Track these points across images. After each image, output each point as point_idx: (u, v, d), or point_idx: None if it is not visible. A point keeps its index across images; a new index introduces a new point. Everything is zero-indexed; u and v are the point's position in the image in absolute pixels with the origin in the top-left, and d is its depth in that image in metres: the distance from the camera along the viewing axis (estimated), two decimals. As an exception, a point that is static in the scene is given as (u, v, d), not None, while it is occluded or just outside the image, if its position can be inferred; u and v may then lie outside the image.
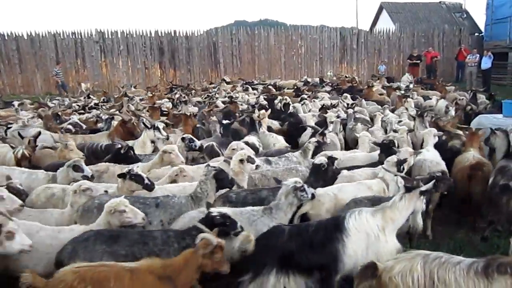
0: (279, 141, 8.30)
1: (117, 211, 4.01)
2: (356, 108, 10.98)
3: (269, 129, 9.08)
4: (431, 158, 6.22)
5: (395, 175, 5.00)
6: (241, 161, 5.43)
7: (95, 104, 12.35)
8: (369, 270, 3.22)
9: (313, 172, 5.60)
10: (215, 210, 3.98)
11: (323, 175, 5.48)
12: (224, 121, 8.52)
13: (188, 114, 9.26)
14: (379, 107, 11.79)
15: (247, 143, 7.16)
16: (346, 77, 21.09)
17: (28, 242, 3.70)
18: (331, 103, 11.67)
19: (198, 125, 9.26)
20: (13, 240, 3.63)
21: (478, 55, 21.04)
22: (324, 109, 10.84)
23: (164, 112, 11.16)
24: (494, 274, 2.92)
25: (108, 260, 3.53)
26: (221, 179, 4.75)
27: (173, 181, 5.64)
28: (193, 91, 17.22)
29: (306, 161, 6.53)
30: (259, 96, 13.89)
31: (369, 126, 9.30)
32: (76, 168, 5.49)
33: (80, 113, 12.04)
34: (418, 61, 23.42)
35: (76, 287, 2.99)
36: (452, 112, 10.62)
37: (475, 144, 6.68)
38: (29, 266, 3.75)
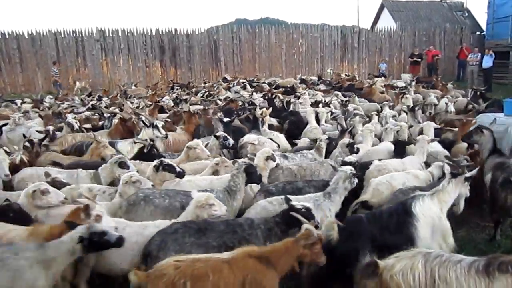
0: (280, 139, 8.31)
1: (207, 205, 4.15)
2: (350, 105, 11.17)
3: (271, 127, 9.08)
4: (440, 149, 6.78)
5: (443, 162, 5.35)
6: (267, 158, 5.72)
7: (92, 105, 12.30)
8: (370, 268, 3.21)
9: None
10: (296, 202, 4.17)
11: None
12: (225, 119, 8.51)
13: (192, 112, 9.22)
14: (376, 104, 11.84)
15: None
16: (346, 75, 21.09)
17: (113, 224, 3.89)
18: (324, 100, 11.70)
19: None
20: (101, 223, 3.80)
21: (479, 54, 21.01)
22: (316, 104, 10.99)
23: (168, 111, 11.16)
24: (495, 272, 2.91)
25: (197, 252, 3.64)
26: (251, 173, 5.05)
27: (215, 171, 5.85)
28: (194, 89, 17.20)
29: (321, 158, 6.78)
30: (252, 94, 13.93)
31: (367, 121, 9.42)
32: (122, 164, 5.57)
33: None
34: (419, 60, 23.39)
35: (176, 282, 3.09)
36: (451, 108, 10.62)
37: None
38: (117, 263, 3.90)
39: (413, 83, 14.90)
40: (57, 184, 4.94)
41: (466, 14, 33.60)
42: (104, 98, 14.29)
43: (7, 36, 23.93)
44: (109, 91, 18.36)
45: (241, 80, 18.33)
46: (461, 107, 11.57)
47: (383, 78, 19.66)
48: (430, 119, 9.12)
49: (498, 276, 2.89)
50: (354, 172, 4.89)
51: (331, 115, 10.21)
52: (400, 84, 16.31)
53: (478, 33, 29.44)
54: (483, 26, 29.01)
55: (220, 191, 4.92)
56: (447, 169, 4.80)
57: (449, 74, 25.45)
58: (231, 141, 7.10)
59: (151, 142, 6.87)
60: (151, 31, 25.63)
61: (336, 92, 13.80)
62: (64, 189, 5.00)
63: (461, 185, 4.25)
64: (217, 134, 7.23)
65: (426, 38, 27.59)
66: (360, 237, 3.89)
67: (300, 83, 17.71)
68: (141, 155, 6.60)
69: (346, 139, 7.07)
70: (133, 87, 19.51)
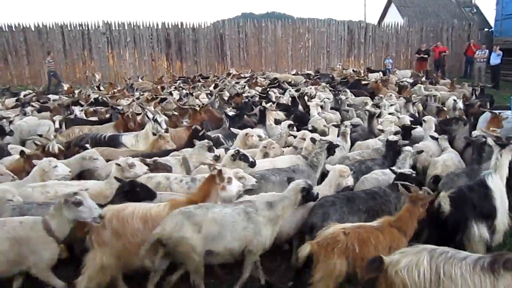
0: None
1: (344, 176, 5.08)
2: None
3: (277, 121, 9.08)
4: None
5: (488, 136, 5.74)
6: (312, 139, 6.40)
7: (94, 99, 12.31)
8: (375, 264, 3.21)
9: (389, 148, 6.40)
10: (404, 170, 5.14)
11: (397, 150, 6.28)
12: (230, 113, 8.51)
13: (197, 108, 9.15)
14: (367, 97, 12.10)
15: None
16: (354, 71, 20.98)
17: (240, 184, 4.47)
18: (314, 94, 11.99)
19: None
20: (232, 184, 4.34)
21: (487, 51, 20.85)
22: (302, 97, 11.26)
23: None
24: (500, 270, 2.91)
25: (353, 218, 4.41)
26: (331, 150, 6.04)
27: (265, 153, 6.42)
28: (199, 83, 17.18)
29: (347, 144, 7.37)
30: (244, 87, 13.92)
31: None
32: (210, 149, 5.99)
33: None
34: (426, 56, 23.23)
35: (348, 246, 3.61)
36: (460, 105, 10.56)
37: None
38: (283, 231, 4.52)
39: (423, 78, 14.89)
40: (159, 166, 5.41)
41: (475, 10, 33.32)
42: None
43: (14, 29, 23.99)
44: (115, 84, 18.37)
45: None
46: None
47: (380, 73, 19.50)
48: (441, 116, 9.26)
49: (503, 274, 2.89)
50: (414, 152, 5.97)
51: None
52: (407, 80, 16.23)
53: (486, 29, 29.18)
54: (492, 22, 28.74)
55: (305, 166, 5.83)
56: (491, 141, 5.18)
57: (456, 71, 25.30)
58: None
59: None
60: (157, 24, 25.60)
61: (324, 84, 14.15)
62: (142, 177, 5.12)
63: (509, 154, 4.79)
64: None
65: (434, 34, 27.37)
66: (466, 207, 4.46)
67: (306, 79, 17.69)
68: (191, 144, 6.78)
69: (348, 122, 7.83)
70: (140, 80, 19.51)
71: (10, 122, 8.13)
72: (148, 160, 5.47)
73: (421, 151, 6.22)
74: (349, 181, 5.13)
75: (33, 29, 24.17)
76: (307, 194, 4.25)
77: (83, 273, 3.83)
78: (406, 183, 4.33)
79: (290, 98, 11.23)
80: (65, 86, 17.36)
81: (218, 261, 4.01)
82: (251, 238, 3.95)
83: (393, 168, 5.31)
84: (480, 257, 3.04)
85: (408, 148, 6.02)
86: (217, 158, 5.72)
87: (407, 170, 5.19)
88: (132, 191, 4.44)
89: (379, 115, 8.71)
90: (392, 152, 6.26)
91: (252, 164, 5.47)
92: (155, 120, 7.81)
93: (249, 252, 4.02)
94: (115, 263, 3.88)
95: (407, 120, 8.42)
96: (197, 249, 3.73)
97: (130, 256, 3.89)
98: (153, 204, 4.21)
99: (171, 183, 5.15)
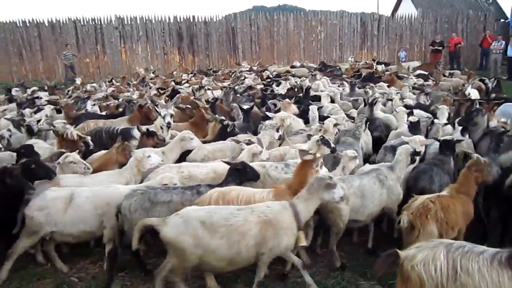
0: (300, 124, 8.24)
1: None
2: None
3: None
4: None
5: None
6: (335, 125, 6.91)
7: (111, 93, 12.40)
8: (390, 258, 3.19)
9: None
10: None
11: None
12: (245, 107, 8.49)
13: (206, 106, 8.92)
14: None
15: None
16: (366, 63, 20.79)
17: (326, 169, 4.84)
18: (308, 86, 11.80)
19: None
20: (322, 168, 4.67)
21: (503, 42, 20.50)
22: (292, 89, 11.35)
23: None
24: (519, 265, 2.86)
25: (446, 178, 5.24)
26: (368, 123, 7.06)
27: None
28: (212, 77, 17.18)
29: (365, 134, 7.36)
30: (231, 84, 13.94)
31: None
32: (278, 129, 6.63)
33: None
34: (441, 48, 22.88)
35: (437, 213, 4.13)
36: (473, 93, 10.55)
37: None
38: None
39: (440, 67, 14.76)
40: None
41: (490, 0, 32.69)
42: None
43: (28, 24, 24.25)
44: (127, 78, 18.44)
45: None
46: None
47: (383, 66, 19.31)
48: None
49: (521, 268, 2.85)
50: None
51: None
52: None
53: (502, 20, 28.65)
54: (508, 13, 28.19)
55: (350, 138, 6.56)
56: None
57: (472, 62, 24.88)
58: None
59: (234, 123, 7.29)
60: (169, 18, 25.64)
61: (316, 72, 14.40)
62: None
63: None
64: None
65: (448, 26, 26.93)
66: None
67: (320, 70, 17.68)
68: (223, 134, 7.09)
69: (362, 114, 7.79)
70: (151, 74, 19.56)
71: (38, 121, 7.96)
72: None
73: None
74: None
75: (46, 24, 24.40)
76: (414, 156, 5.20)
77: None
78: (468, 151, 5.31)
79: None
80: (78, 80, 17.50)
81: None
82: (386, 199, 4.84)
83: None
84: (497, 252, 3.00)
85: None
86: (279, 138, 6.34)
87: (449, 137, 5.99)
88: (244, 170, 4.80)
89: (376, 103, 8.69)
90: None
91: (334, 150, 5.70)
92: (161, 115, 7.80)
93: (388, 210, 4.93)
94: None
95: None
96: (343, 218, 4.51)
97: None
98: (256, 189, 4.48)
99: (268, 170, 5.29)
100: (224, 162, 5.01)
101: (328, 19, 27.02)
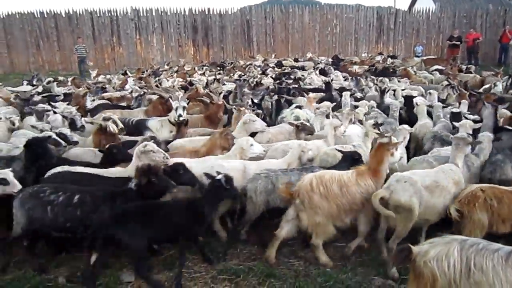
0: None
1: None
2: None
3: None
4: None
5: None
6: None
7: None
8: (403, 253, 3.18)
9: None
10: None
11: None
12: (256, 100, 8.49)
13: (215, 99, 8.89)
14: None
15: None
16: (381, 54, 20.59)
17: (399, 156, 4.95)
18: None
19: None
20: (396, 150, 4.78)
21: (524, 37, 20.09)
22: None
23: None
24: (534, 263, 2.84)
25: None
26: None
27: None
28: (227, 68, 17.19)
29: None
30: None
31: None
32: (328, 116, 7.00)
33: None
34: (458, 43, 22.51)
35: (485, 200, 4.24)
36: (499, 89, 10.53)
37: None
38: None
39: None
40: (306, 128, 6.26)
41: (511, -6, 31.99)
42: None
43: (45, 15, 24.57)
44: (142, 70, 18.54)
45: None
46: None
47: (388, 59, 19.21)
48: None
49: (537, 267, 2.82)
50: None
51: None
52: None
53: (523, 15, 28.00)
54: (529, 7, 27.56)
55: (391, 118, 7.54)
56: None
57: (490, 58, 24.46)
58: None
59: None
60: (184, 10, 25.74)
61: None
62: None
63: None
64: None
65: (467, 20, 26.45)
66: None
67: (332, 63, 17.64)
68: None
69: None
70: (166, 67, 19.64)
71: (82, 116, 7.72)
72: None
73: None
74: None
75: (63, 15, 24.68)
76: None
77: (309, 232, 4.50)
78: None
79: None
80: (93, 73, 17.58)
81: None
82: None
83: None
84: (513, 250, 2.98)
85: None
86: (376, 124, 6.40)
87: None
88: (358, 159, 5.16)
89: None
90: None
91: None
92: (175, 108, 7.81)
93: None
94: (327, 221, 4.45)
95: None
96: (415, 213, 4.31)
97: (335, 216, 4.47)
98: (342, 171, 4.70)
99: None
100: (337, 150, 5.45)
101: (344, 13, 26.77)
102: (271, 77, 13.79)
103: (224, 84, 12.07)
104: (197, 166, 5.03)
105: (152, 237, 4.09)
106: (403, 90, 10.56)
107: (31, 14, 24.48)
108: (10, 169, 4.61)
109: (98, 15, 25.00)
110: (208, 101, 8.63)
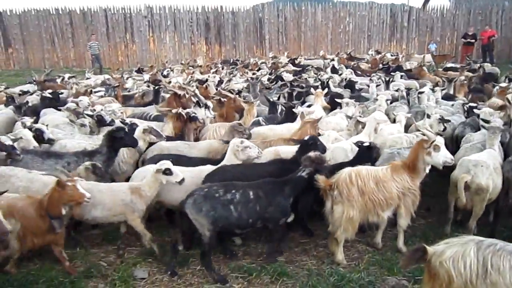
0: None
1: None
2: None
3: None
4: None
5: None
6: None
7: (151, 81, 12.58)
8: (418, 253, 3.17)
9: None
10: None
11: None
12: (272, 99, 8.50)
13: (233, 97, 8.95)
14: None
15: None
16: (392, 55, 20.41)
17: (449, 156, 4.72)
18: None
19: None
20: (440, 151, 4.60)
21: (540, 35, 19.72)
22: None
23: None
24: (552, 265, 2.80)
25: None
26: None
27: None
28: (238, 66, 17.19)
29: None
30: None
31: None
32: (445, 121, 6.87)
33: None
34: (473, 40, 22.21)
35: None
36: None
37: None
38: None
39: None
40: None
41: (528, -9, 31.43)
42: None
43: (60, 12, 24.84)
44: (154, 67, 18.59)
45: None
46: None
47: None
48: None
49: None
50: None
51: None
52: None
53: (540, 12, 27.49)
54: (547, 5, 27.06)
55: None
56: None
57: (506, 56, 24.12)
58: None
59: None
60: (197, 8, 25.81)
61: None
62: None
63: None
64: None
65: (482, 17, 26.05)
66: None
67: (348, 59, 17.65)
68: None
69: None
70: (178, 65, 19.68)
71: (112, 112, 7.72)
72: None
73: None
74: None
75: (78, 12, 24.92)
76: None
77: (336, 226, 4.50)
78: None
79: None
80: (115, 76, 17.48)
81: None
82: None
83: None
84: (530, 251, 2.94)
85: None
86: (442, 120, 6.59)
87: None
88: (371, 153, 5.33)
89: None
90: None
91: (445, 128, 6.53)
92: (207, 106, 7.89)
93: None
94: (359, 216, 4.51)
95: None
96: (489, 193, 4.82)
97: (369, 211, 4.55)
98: (377, 167, 4.85)
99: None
100: (356, 144, 5.49)
101: (357, 10, 26.58)
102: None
103: (236, 83, 12.11)
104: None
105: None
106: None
107: (47, 11, 24.77)
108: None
109: (112, 12, 25.19)
110: (222, 99, 8.73)
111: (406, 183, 4.61)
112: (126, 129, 5.78)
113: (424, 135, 4.76)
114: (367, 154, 5.27)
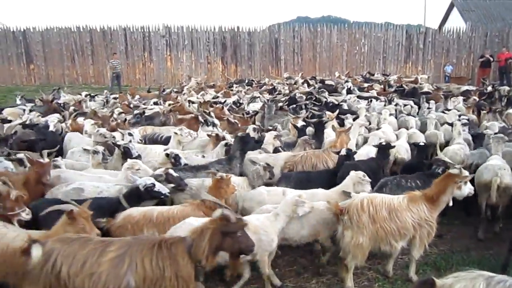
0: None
1: None
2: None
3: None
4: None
5: None
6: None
7: (154, 102, 12.79)
8: (426, 285, 3.15)
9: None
10: None
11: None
12: (299, 125, 8.42)
13: (247, 117, 9.22)
14: None
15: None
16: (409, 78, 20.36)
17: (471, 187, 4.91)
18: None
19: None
20: (466, 185, 4.75)
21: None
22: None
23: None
24: None
25: None
26: None
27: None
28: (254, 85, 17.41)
29: None
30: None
31: None
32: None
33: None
34: (491, 59, 22.13)
35: None
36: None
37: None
38: None
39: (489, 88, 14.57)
40: None
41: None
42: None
43: (81, 30, 25.53)
44: (166, 86, 18.82)
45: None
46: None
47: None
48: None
49: None
50: None
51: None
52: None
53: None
54: None
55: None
56: None
57: (523, 79, 23.80)
58: None
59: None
60: (214, 28, 26.18)
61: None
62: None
63: None
64: None
65: (499, 39, 25.90)
66: None
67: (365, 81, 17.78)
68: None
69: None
70: (192, 81, 19.87)
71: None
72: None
73: None
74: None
75: (98, 30, 25.55)
76: None
77: (346, 252, 4.54)
78: None
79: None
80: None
81: None
82: None
83: None
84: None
85: None
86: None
87: None
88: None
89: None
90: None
91: None
92: (214, 124, 8.33)
93: None
94: (369, 244, 4.50)
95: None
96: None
97: (380, 239, 4.53)
98: (392, 195, 4.80)
99: None
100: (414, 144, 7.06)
101: (372, 32, 26.65)
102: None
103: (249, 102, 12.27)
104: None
105: None
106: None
107: (68, 29, 25.48)
108: None
109: (132, 31, 25.75)
110: (233, 120, 8.95)
111: (423, 214, 4.57)
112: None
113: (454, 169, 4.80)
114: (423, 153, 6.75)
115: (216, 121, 8.82)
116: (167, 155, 6.23)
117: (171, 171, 5.21)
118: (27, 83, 25.23)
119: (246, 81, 19.82)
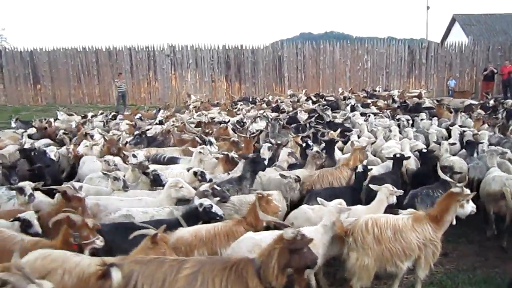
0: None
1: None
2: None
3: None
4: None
5: None
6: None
7: (160, 121, 12.87)
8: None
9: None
10: None
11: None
12: (303, 144, 8.51)
13: (250, 136, 9.20)
14: None
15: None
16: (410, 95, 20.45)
17: (474, 205, 4.86)
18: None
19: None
20: (469, 203, 4.74)
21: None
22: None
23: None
24: None
25: None
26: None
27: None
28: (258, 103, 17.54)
29: None
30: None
31: None
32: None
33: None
34: (495, 71, 22.24)
35: None
36: None
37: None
38: None
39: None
40: None
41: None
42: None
43: (87, 50, 25.96)
44: (171, 105, 18.99)
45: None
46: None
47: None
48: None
49: None
50: None
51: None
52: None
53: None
54: None
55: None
56: None
57: (526, 92, 23.82)
58: None
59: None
60: (218, 47, 26.50)
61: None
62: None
63: None
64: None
65: (502, 53, 25.98)
66: None
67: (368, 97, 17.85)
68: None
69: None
70: (193, 98, 20.09)
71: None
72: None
73: None
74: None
75: (104, 50, 25.97)
76: None
77: (351, 273, 4.53)
78: None
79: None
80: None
81: None
82: None
83: None
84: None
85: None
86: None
87: None
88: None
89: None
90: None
91: None
92: (210, 143, 8.57)
93: None
94: (375, 265, 4.50)
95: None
96: None
97: (385, 260, 4.52)
98: (396, 216, 4.79)
99: None
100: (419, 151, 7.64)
101: (375, 47, 26.81)
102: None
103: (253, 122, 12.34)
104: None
105: None
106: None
107: (74, 49, 25.94)
108: None
109: (137, 50, 26.14)
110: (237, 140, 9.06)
111: (427, 234, 4.56)
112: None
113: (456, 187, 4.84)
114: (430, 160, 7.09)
115: (213, 140, 8.93)
116: (195, 173, 6.43)
117: (216, 186, 5.57)
118: (33, 103, 25.61)
119: (250, 99, 19.94)
